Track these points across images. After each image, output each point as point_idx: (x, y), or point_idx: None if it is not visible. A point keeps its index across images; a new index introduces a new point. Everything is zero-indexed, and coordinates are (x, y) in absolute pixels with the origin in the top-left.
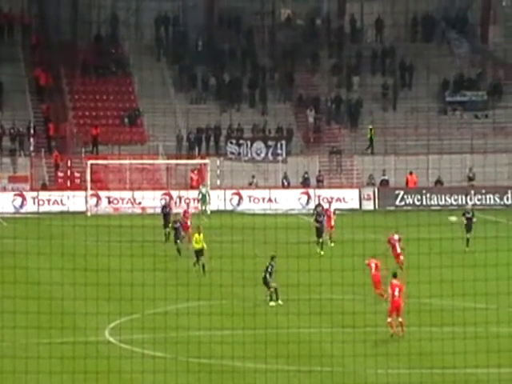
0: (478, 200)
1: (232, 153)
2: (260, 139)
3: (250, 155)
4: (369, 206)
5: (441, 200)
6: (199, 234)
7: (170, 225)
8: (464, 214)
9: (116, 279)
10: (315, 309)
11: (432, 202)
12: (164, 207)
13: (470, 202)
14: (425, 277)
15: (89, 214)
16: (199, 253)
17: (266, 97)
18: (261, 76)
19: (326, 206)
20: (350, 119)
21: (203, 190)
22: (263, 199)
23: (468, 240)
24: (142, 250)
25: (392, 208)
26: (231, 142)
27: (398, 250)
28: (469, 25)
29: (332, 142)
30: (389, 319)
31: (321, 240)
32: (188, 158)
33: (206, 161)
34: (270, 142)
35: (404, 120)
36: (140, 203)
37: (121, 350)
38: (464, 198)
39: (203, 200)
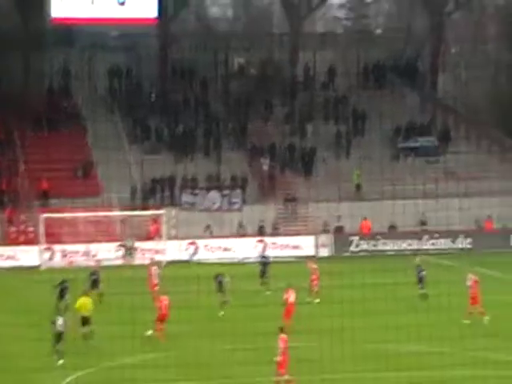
0: (432, 244)
1: (187, 203)
2: (215, 188)
3: (205, 205)
4: (324, 252)
5: (395, 245)
6: (87, 296)
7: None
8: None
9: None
10: (267, 357)
11: (386, 247)
12: (92, 274)
13: (417, 259)
14: (381, 322)
15: (43, 268)
16: (86, 320)
17: (221, 146)
18: (215, 125)
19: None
20: (304, 167)
21: (129, 243)
22: (219, 248)
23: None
24: (98, 303)
25: (347, 254)
26: (186, 192)
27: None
28: (419, 73)
29: (287, 189)
30: (286, 376)
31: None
32: (143, 209)
33: (161, 211)
34: (225, 191)
35: (357, 167)
36: (95, 255)
37: None
38: (418, 242)
39: (129, 253)
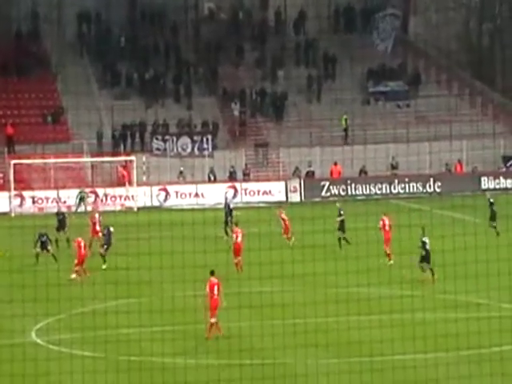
0: (402, 189)
1: (158, 149)
2: (186, 134)
3: (175, 151)
4: (295, 198)
5: (365, 190)
6: None
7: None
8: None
9: (43, 280)
10: (244, 302)
11: (357, 192)
12: (57, 213)
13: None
14: (352, 266)
15: (13, 214)
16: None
17: (191, 91)
18: (185, 71)
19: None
20: (275, 112)
21: (82, 194)
22: (190, 194)
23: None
24: (68, 250)
25: (318, 199)
26: (157, 138)
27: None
28: (396, 15)
29: (258, 135)
30: (212, 320)
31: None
32: (114, 155)
33: (132, 157)
34: (195, 137)
35: (328, 111)
36: (65, 202)
37: (48, 351)
38: (388, 186)
39: (81, 202)
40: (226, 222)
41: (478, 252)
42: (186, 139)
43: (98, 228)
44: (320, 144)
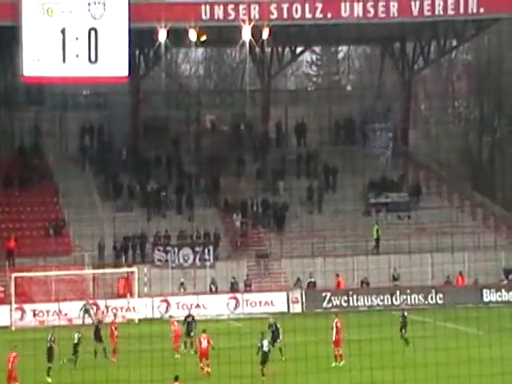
0: (404, 300)
1: (159, 260)
2: (187, 245)
3: (177, 262)
4: (297, 308)
5: (367, 301)
6: None
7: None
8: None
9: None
10: None
11: (359, 303)
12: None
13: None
14: (356, 378)
15: (13, 328)
16: None
17: (193, 203)
18: (187, 182)
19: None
20: (277, 223)
21: (87, 306)
22: (191, 305)
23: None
24: (68, 363)
25: (320, 310)
26: (158, 249)
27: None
28: (389, 128)
29: (259, 245)
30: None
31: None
32: (115, 267)
33: (134, 269)
34: (197, 248)
35: (330, 222)
36: (66, 314)
37: None
38: (390, 298)
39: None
40: (188, 334)
41: (482, 365)
42: (187, 250)
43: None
44: (322, 255)
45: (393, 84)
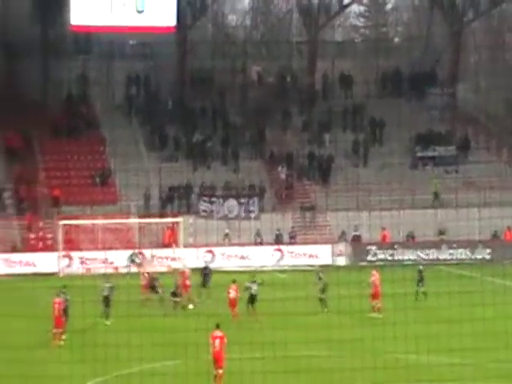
0: (450, 254)
1: (204, 211)
2: (232, 197)
3: (222, 213)
4: (341, 261)
5: (413, 255)
6: None
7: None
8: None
9: (91, 340)
10: (291, 366)
11: (404, 257)
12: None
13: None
14: (401, 332)
15: (61, 274)
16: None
17: (238, 154)
18: (232, 134)
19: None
20: (322, 175)
21: (133, 257)
22: (236, 256)
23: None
24: (115, 310)
25: (364, 263)
26: (204, 200)
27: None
28: (438, 81)
29: (304, 198)
30: (215, 372)
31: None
32: (160, 217)
33: (179, 219)
34: (242, 200)
35: (375, 175)
36: (113, 263)
37: None
38: (436, 252)
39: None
40: (204, 285)
41: None
42: (232, 201)
43: (187, 283)
44: (367, 208)
45: (441, 36)
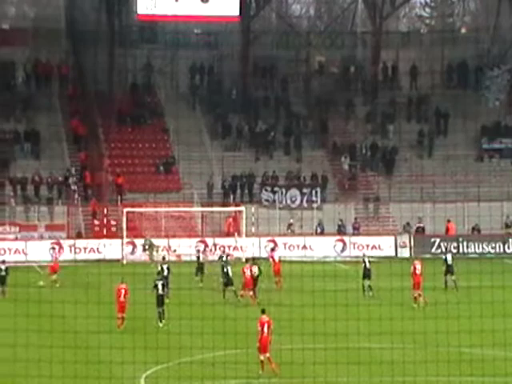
0: None
1: (267, 200)
2: (295, 186)
3: (284, 202)
4: (405, 253)
5: (478, 248)
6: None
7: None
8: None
9: (152, 328)
10: (353, 358)
11: (469, 250)
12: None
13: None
14: (464, 326)
15: (124, 261)
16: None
17: (301, 144)
18: (295, 124)
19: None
20: (386, 166)
21: (147, 242)
22: (298, 246)
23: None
24: (178, 298)
25: (428, 255)
26: (266, 190)
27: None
28: (505, 72)
29: (367, 189)
30: (261, 357)
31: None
32: (223, 205)
33: (241, 208)
34: (304, 189)
35: (440, 167)
36: (175, 251)
37: None
38: (502, 245)
39: (151, 249)
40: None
41: None
42: (295, 191)
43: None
44: (431, 200)
45: (510, 27)
